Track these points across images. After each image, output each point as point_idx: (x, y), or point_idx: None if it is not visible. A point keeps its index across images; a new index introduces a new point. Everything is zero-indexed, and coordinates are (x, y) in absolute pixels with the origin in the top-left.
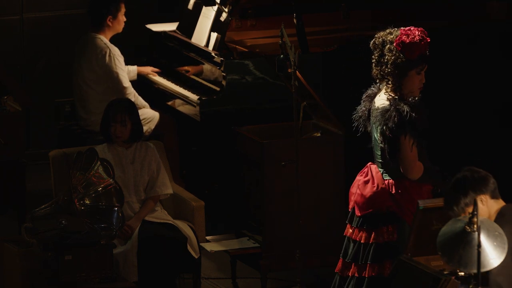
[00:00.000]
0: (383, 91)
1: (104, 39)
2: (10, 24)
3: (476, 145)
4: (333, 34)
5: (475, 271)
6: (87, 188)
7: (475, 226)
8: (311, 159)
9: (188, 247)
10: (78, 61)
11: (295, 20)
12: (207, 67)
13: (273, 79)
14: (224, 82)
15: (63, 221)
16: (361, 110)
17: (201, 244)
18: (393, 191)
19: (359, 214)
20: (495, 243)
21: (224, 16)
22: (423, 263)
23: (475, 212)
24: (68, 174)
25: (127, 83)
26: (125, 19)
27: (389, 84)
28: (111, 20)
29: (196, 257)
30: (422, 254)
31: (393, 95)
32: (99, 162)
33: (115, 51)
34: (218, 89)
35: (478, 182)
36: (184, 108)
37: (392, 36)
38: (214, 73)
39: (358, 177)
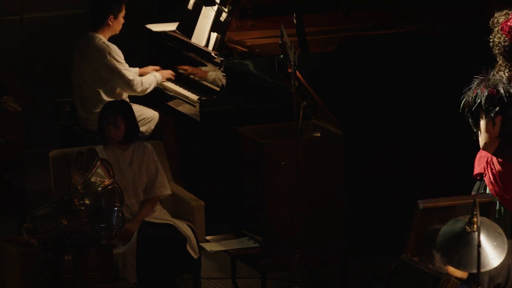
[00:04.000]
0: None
1: (103, 38)
2: (10, 24)
3: None
4: (333, 34)
5: (475, 271)
6: (87, 188)
7: (475, 226)
8: (311, 159)
9: (188, 247)
10: (78, 61)
11: (295, 20)
12: (206, 67)
13: (273, 79)
14: (224, 82)
15: (63, 221)
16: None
17: (201, 244)
18: (489, 160)
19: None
20: (495, 243)
21: (224, 16)
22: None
23: (475, 212)
24: (68, 174)
25: (131, 76)
26: (123, 21)
27: (499, 64)
28: (112, 20)
29: (196, 257)
30: None
31: (503, 75)
32: (99, 162)
33: (114, 48)
34: (218, 89)
35: None
36: (184, 108)
37: (503, 18)
38: (213, 73)
39: None
